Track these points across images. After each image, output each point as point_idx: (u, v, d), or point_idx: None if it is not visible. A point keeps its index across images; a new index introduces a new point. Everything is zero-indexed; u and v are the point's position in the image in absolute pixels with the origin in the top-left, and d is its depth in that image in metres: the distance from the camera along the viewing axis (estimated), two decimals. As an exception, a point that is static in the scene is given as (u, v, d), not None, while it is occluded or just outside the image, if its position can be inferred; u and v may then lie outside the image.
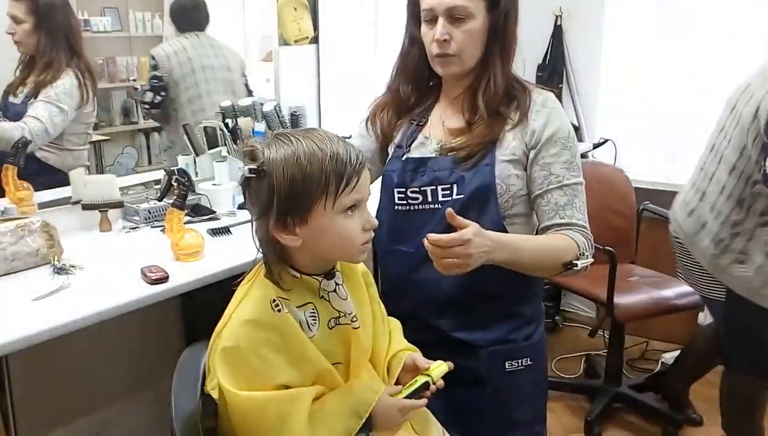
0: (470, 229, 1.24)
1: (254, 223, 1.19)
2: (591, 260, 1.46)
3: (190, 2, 2.55)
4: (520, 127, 1.46)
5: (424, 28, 1.47)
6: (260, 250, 1.21)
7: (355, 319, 1.24)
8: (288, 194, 1.12)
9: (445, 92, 1.54)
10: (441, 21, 1.42)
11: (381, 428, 1.21)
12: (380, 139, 1.59)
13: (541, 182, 1.46)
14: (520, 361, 1.53)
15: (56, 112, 2.11)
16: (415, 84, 1.55)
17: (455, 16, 1.42)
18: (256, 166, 1.13)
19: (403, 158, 1.51)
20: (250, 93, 2.71)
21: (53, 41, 2.12)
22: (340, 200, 1.14)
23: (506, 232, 1.45)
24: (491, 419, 1.53)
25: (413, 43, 1.53)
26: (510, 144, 1.46)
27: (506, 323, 1.52)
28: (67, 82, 2.13)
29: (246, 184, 1.16)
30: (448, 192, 1.46)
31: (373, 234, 1.22)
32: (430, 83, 1.57)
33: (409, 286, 1.50)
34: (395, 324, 1.43)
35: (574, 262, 1.42)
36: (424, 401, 1.26)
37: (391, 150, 1.56)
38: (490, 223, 1.40)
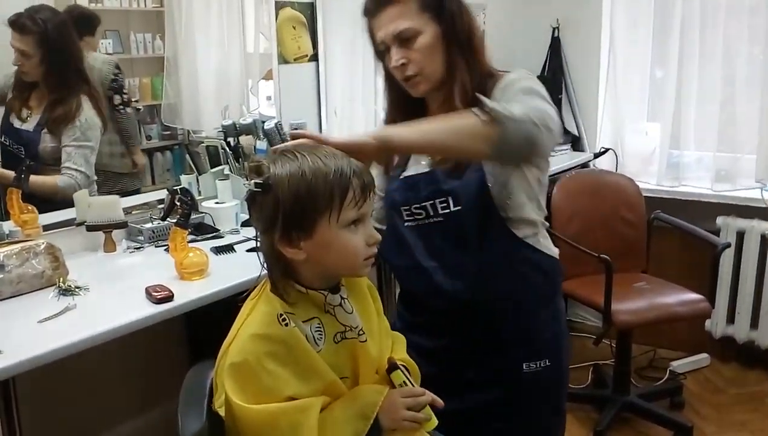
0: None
1: (259, 237, 1.20)
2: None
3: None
4: None
5: (386, 59, 1.50)
6: (265, 265, 1.22)
7: (361, 332, 1.24)
8: (292, 209, 1.13)
9: (430, 107, 1.56)
10: (393, 48, 1.45)
11: (390, 429, 1.21)
12: (383, 168, 1.61)
13: None
14: (538, 363, 1.53)
15: (89, 153, 2.15)
16: (405, 112, 1.54)
17: (404, 39, 1.44)
18: (261, 181, 1.14)
19: (401, 177, 1.53)
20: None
21: (63, 74, 2.13)
22: (343, 215, 1.15)
23: (514, 236, 1.47)
24: (507, 419, 1.54)
25: (388, 77, 1.56)
26: None
27: (523, 324, 1.52)
28: (86, 115, 2.14)
29: (251, 199, 1.17)
30: (445, 205, 1.47)
31: (376, 249, 1.22)
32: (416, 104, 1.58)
33: (429, 297, 1.52)
34: (400, 339, 1.43)
35: (481, 108, 1.27)
36: (426, 394, 1.26)
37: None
38: (495, 230, 1.42)
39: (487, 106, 1.27)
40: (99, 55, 2.34)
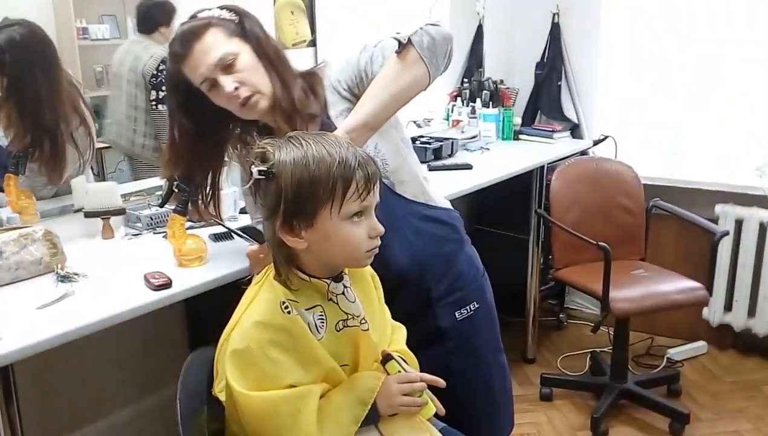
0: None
1: (263, 223, 1.20)
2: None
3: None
4: (334, 99, 1.54)
5: (213, 97, 1.49)
6: (270, 249, 1.22)
7: (364, 321, 1.24)
8: (295, 197, 1.13)
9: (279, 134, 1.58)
10: (221, 78, 1.45)
11: (387, 414, 1.23)
12: None
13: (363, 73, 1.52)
14: (468, 307, 1.64)
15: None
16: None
17: (227, 65, 1.45)
18: (265, 169, 1.13)
19: None
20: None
21: (35, 115, 1.92)
22: (346, 206, 1.15)
23: (404, 199, 1.57)
24: (459, 367, 1.62)
25: (187, 128, 1.54)
26: (338, 108, 1.53)
27: (448, 275, 1.62)
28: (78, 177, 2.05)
29: (256, 185, 1.17)
30: None
31: (379, 241, 1.22)
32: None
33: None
34: (400, 329, 1.43)
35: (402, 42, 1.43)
36: (415, 374, 1.27)
37: None
38: (385, 198, 1.43)
39: (395, 39, 1.43)
40: (154, 47, 2.31)
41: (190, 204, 1.66)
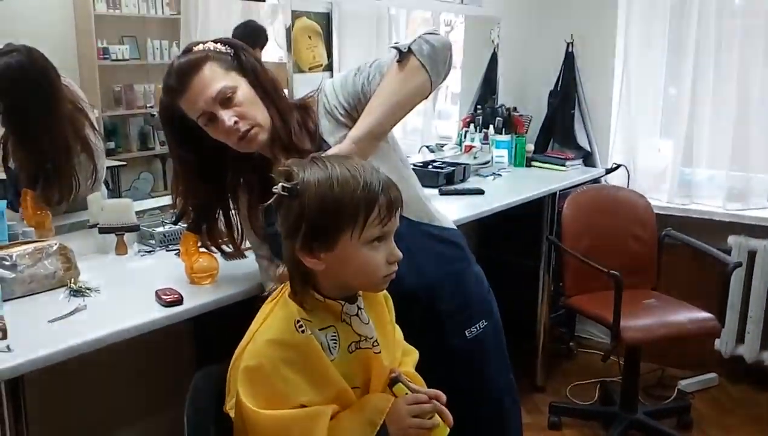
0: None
1: (282, 242, 1.20)
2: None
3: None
4: (331, 125, 1.54)
5: (211, 131, 1.49)
6: (272, 278, 1.22)
7: (376, 343, 1.24)
8: (316, 220, 1.13)
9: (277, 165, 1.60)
10: (220, 112, 1.45)
11: None
12: None
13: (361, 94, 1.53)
14: (477, 326, 1.64)
15: None
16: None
17: (225, 98, 1.45)
18: (289, 187, 1.14)
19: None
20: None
21: (37, 142, 1.93)
22: (366, 232, 1.15)
23: (409, 221, 1.56)
24: (468, 385, 1.62)
25: (187, 160, 1.56)
26: (337, 135, 1.52)
27: (456, 294, 1.63)
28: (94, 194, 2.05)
29: (278, 202, 1.17)
30: None
31: (396, 267, 1.22)
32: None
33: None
34: (411, 352, 1.43)
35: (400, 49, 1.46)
36: (424, 396, 1.26)
37: None
38: None
39: (395, 48, 1.45)
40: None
41: (208, 240, 1.68)
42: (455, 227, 1.72)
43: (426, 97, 1.52)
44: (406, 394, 1.25)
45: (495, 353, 1.71)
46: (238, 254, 1.71)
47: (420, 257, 1.57)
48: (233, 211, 1.68)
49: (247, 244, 1.72)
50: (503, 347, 1.74)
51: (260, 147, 1.52)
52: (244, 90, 1.48)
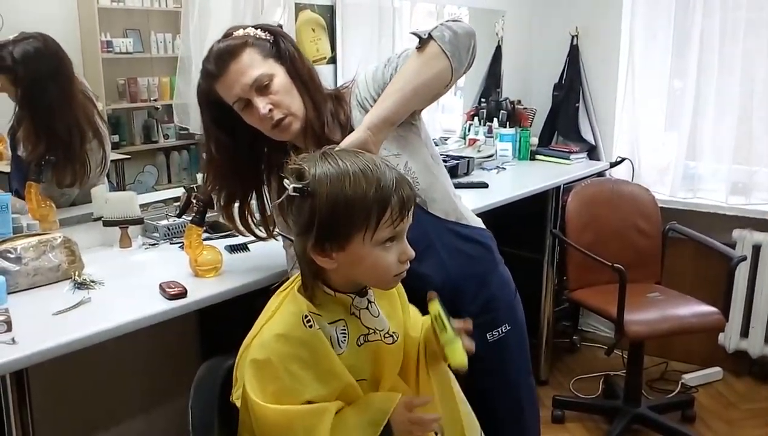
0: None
1: (294, 239, 1.20)
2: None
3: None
4: (362, 117, 1.50)
5: (246, 117, 1.49)
6: (298, 265, 1.21)
7: (387, 335, 1.24)
8: (329, 220, 1.12)
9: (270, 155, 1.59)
10: (255, 99, 1.45)
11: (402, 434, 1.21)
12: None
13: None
14: (500, 329, 1.61)
15: None
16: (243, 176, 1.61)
17: (262, 86, 1.45)
18: (301, 186, 1.13)
19: None
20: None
21: (51, 126, 1.96)
22: (379, 233, 1.14)
23: (437, 218, 1.55)
24: (489, 388, 1.60)
25: (223, 143, 1.56)
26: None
27: (480, 296, 1.59)
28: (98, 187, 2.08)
29: (289, 201, 1.16)
30: None
31: (408, 265, 1.21)
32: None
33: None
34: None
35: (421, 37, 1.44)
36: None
37: None
38: (417, 218, 1.40)
39: (415, 34, 1.43)
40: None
41: (240, 223, 1.67)
42: (484, 227, 1.67)
43: (449, 86, 1.48)
44: (437, 314, 1.23)
45: (518, 357, 1.67)
46: (270, 237, 1.71)
47: (446, 256, 1.55)
48: (266, 197, 1.67)
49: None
50: (526, 351, 1.71)
51: (293, 136, 1.52)
52: (280, 78, 1.48)
